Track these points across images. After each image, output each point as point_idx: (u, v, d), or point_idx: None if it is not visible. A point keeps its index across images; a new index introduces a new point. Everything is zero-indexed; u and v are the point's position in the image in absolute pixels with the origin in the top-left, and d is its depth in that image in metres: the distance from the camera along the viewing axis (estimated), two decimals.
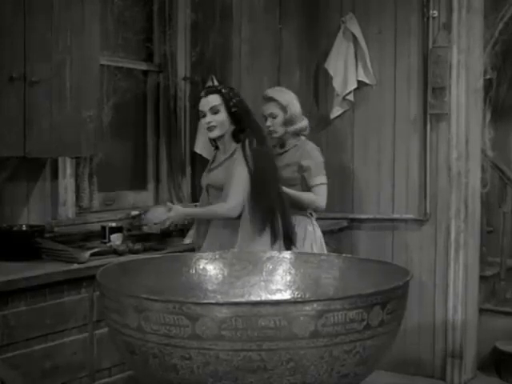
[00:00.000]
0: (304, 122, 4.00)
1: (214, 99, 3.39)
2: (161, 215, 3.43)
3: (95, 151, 3.78)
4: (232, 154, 3.39)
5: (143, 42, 4.58)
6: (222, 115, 3.38)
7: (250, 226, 3.29)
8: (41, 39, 3.28)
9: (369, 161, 5.10)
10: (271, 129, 3.93)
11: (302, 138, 4.03)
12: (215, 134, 3.41)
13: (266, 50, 4.71)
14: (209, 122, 3.39)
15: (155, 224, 3.55)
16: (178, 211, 3.42)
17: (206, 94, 3.43)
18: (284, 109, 3.91)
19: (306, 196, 3.89)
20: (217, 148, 3.53)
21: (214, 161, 3.55)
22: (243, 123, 3.39)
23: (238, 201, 3.29)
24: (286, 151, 3.98)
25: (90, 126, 3.53)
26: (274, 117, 3.93)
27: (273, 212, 3.34)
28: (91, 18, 3.52)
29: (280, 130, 3.94)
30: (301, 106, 4.01)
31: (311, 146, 4.00)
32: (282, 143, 4.00)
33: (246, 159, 3.32)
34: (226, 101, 3.38)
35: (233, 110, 3.38)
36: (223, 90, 3.41)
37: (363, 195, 5.12)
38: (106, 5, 4.18)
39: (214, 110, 3.38)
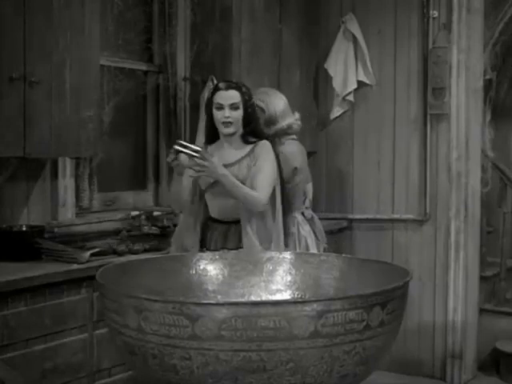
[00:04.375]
0: (286, 121, 3.85)
1: (235, 95, 3.34)
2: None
3: (95, 151, 3.78)
4: (251, 152, 3.37)
5: (143, 42, 4.58)
6: (240, 113, 3.35)
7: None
8: (41, 39, 3.28)
9: (369, 161, 5.10)
10: None
11: (290, 141, 3.95)
12: (230, 130, 3.36)
13: (265, 50, 4.71)
14: (227, 117, 3.33)
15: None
16: (216, 166, 3.21)
17: (227, 88, 3.35)
18: (263, 110, 3.87)
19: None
20: (209, 143, 3.46)
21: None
22: (253, 124, 3.40)
23: (267, 197, 3.32)
24: None
25: (89, 126, 3.53)
26: None
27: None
28: (91, 18, 3.52)
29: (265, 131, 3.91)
30: (287, 105, 3.93)
31: (287, 151, 3.92)
32: None
33: (277, 158, 3.40)
34: (245, 100, 3.35)
35: (249, 110, 3.37)
36: (243, 89, 3.37)
37: (363, 195, 5.12)
38: (106, 5, 4.18)
39: (234, 107, 3.33)
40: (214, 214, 3.44)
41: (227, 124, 3.35)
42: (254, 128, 3.42)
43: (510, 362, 4.86)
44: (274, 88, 4.17)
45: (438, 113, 4.81)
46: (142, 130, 4.65)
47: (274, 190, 3.39)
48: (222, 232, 3.40)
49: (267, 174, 3.34)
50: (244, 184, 3.31)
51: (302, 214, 3.99)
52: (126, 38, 4.41)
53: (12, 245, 3.34)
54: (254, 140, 3.41)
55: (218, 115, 3.35)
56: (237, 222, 3.36)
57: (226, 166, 3.34)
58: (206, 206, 3.48)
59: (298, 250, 3.82)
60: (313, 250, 3.92)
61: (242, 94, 3.35)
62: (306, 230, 3.96)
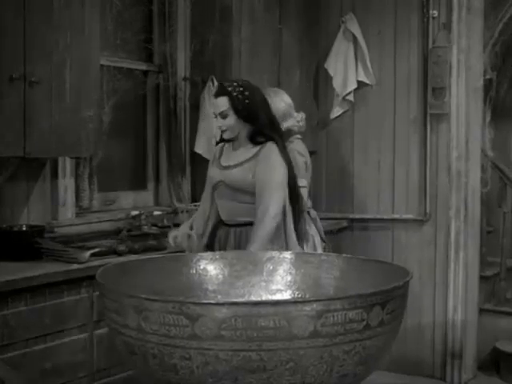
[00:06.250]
0: (286, 124, 3.89)
1: (223, 103, 3.27)
2: None
3: (95, 151, 3.78)
4: (255, 156, 3.30)
5: (143, 42, 4.58)
6: (231, 119, 3.28)
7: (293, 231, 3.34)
8: (41, 39, 3.28)
9: (369, 161, 5.10)
10: None
11: (296, 140, 4.00)
12: (227, 136, 3.34)
13: (265, 50, 4.71)
14: (219, 126, 3.34)
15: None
16: None
17: (216, 96, 3.32)
18: None
19: None
20: (223, 141, 3.45)
21: (221, 156, 3.43)
22: (256, 124, 3.32)
23: (280, 208, 3.23)
24: None
25: (89, 126, 3.53)
26: None
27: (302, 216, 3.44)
28: (91, 18, 3.52)
29: None
30: (290, 107, 3.96)
31: (293, 148, 3.95)
32: None
33: (285, 162, 3.28)
34: (235, 105, 3.26)
35: (243, 113, 3.28)
36: (233, 93, 3.26)
37: (363, 195, 5.12)
38: (106, 5, 4.18)
39: (223, 115, 3.29)
40: (221, 215, 3.41)
41: (222, 131, 3.34)
42: (258, 128, 3.33)
43: (510, 362, 4.86)
44: (279, 89, 4.17)
45: (438, 113, 4.81)
46: (142, 130, 4.65)
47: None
48: (223, 234, 3.37)
49: (275, 184, 3.24)
50: (243, 186, 3.28)
51: (308, 213, 4.02)
52: (126, 38, 4.41)
53: (12, 245, 3.34)
54: (262, 140, 3.32)
55: (214, 123, 3.40)
56: (239, 225, 3.32)
57: (229, 167, 3.34)
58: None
59: (305, 248, 3.85)
60: (319, 248, 3.97)
61: (232, 98, 3.26)
62: (312, 229, 4.00)
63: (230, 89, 3.29)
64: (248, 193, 3.28)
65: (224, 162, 3.39)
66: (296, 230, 3.39)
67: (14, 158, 3.46)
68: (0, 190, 3.55)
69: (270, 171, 3.25)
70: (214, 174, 3.42)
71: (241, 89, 3.29)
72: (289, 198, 3.32)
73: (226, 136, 3.35)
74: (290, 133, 3.97)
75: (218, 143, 3.53)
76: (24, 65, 3.20)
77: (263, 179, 3.24)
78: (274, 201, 3.21)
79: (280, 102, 3.93)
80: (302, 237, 3.48)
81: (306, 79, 5.13)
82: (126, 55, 4.43)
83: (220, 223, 3.42)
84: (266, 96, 3.91)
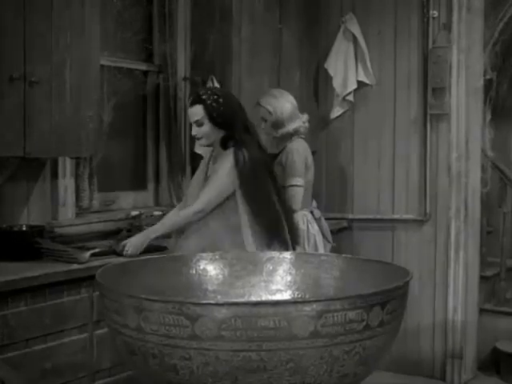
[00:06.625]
0: (293, 125, 3.98)
1: (197, 111, 3.30)
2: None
3: (95, 151, 3.78)
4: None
5: (143, 42, 4.58)
6: (206, 127, 3.31)
7: (254, 241, 3.24)
8: (41, 39, 3.28)
9: (369, 161, 5.10)
10: (265, 131, 3.98)
11: (298, 139, 4.04)
12: (202, 143, 3.40)
13: (265, 50, 4.71)
14: (194, 134, 3.37)
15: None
16: (133, 243, 3.39)
17: (191, 104, 3.36)
18: (270, 113, 3.95)
19: None
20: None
21: (209, 163, 3.50)
22: (232, 130, 3.33)
23: (204, 206, 3.28)
24: (279, 153, 4.03)
25: (90, 126, 3.53)
26: (265, 120, 4.01)
27: (279, 223, 3.32)
28: (91, 18, 3.52)
29: (272, 133, 3.99)
30: (295, 108, 4.02)
31: (292, 147, 4.00)
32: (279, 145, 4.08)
33: (235, 168, 3.27)
34: (209, 112, 3.29)
35: (218, 120, 3.30)
36: (207, 101, 3.29)
37: (363, 195, 5.12)
38: (106, 5, 4.18)
39: (198, 124, 3.32)
40: None
41: (198, 139, 3.39)
42: (230, 133, 3.34)
43: (510, 361, 4.86)
44: (282, 90, 4.20)
45: (438, 113, 4.81)
46: (142, 130, 4.65)
47: (234, 195, 3.29)
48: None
49: (211, 185, 3.31)
50: None
51: (311, 212, 4.04)
52: (126, 38, 4.41)
53: (12, 245, 3.34)
54: (232, 145, 3.33)
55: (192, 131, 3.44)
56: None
57: (207, 177, 3.41)
58: None
59: (307, 248, 3.86)
60: (321, 248, 3.98)
61: (206, 106, 3.28)
62: (314, 228, 4.02)
63: (204, 97, 3.32)
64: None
65: (209, 172, 3.46)
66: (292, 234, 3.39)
67: (14, 158, 3.46)
68: (0, 189, 3.55)
69: (215, 175, 3.32)
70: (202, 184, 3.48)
71: (215, 96, 3.32)
72: (244, 199, 3.28)
73: (201, 143, 3.40)
74: (296, 133, 4.01)
75: None
76: (24, 65, 3.20)
77: (208, 180, 3.35)
78: (201, 200, 3.30)
79: (285, 102, 3.99)
80: (293, 236, 3.45)
81: (306, 79, 5.13)
82: (126, 55, 4.43)
83: None
84: (270, 97, 3.96)
